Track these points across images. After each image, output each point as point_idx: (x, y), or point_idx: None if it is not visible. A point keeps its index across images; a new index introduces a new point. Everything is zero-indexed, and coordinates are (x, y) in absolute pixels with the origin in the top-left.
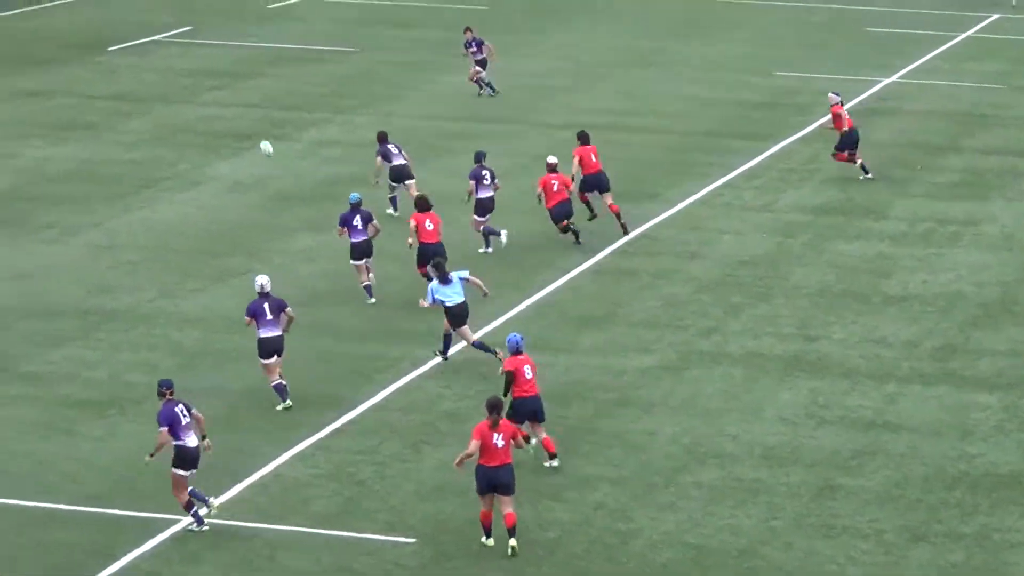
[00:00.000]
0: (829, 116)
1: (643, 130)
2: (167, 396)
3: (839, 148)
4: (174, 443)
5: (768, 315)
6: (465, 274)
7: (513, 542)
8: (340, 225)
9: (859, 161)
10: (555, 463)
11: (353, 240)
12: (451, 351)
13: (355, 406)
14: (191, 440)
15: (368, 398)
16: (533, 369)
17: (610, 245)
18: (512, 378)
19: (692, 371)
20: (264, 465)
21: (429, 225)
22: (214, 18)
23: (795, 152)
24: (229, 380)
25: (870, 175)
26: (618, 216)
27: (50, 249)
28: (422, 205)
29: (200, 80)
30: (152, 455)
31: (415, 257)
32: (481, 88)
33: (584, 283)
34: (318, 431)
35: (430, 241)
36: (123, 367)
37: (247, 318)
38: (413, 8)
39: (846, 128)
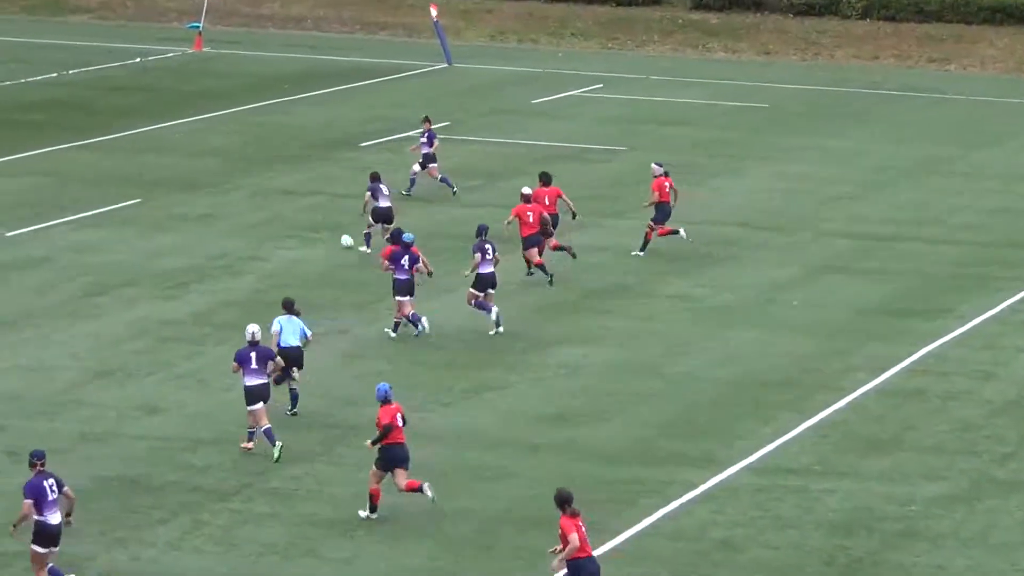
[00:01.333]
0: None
1: (931, 241)
2: (38, 468)
3: (656, 221)
4: (35, 518)
5: None
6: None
7: None
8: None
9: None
10: (429, 493)
11: (398, 277)
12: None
13: (617, 533)
14: (54, 517)
15: (632, 524)
16: (403, 417)
17: (897, 364)
18: (390, 429)
19: (986, 501)
20: None
21: None
22: (474, 114)
23: None
24: (482, 501)
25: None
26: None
27: None
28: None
29: (457, 179)
30: (14, 526)
31: None
32: (412, 186)
33: (868, 404)
34: None
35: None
36: (367, 485)
37: (234, 364)
38: (685, 105)
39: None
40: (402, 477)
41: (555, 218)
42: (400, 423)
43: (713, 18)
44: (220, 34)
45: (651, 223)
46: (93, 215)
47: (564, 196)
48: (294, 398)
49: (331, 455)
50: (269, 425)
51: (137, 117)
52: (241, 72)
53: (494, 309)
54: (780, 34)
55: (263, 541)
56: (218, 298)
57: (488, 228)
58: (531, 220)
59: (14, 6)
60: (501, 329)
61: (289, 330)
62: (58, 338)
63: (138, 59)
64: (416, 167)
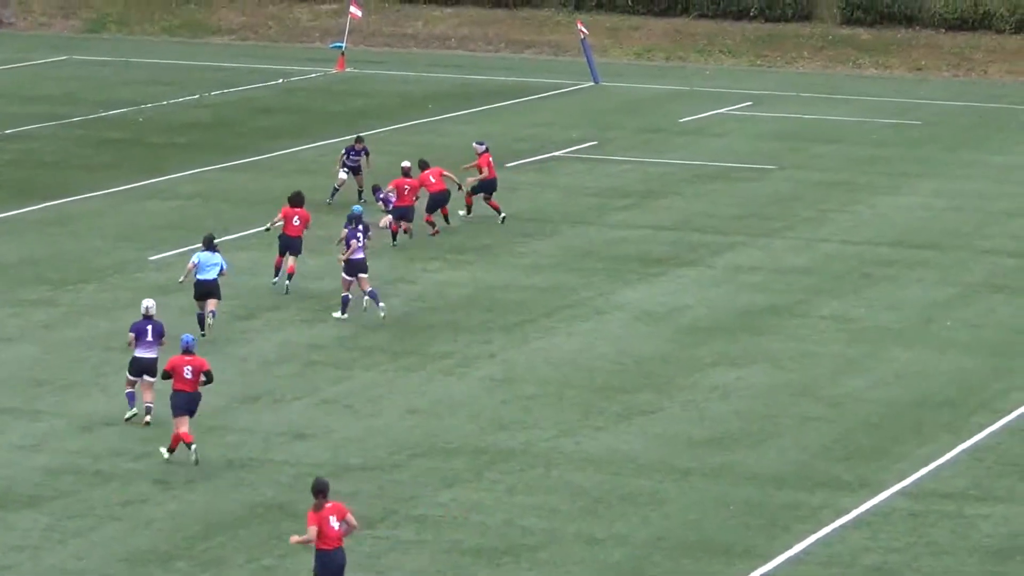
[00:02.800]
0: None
1: None
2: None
3: (475, 191)
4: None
5: None
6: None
7: None
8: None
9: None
10: (193, 456)
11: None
12: None
13: (770, 558)
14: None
15: (784, 550)
16: (193, 370)
17: None
18: (169, 375)
19: None
20: None
21: None
22: (623, 133)
23: None
24: (635, 527)
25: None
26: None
27: (445, 381)
28: None
29: (607, 199)
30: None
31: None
32: (333, 196)
33: None
34: None
35: None
36: (518, 511)
37: (130, 336)
38: (837, 123)
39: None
40: (184, 422)
41: (446, 194)
42: (187, 375)
43: (864, 34)
44: (363, 54)
45: (470, 193)
46: (239, 237)
47: (447, 172)
48: (200, 321)
49: (480, 481)
50: (151, 404)
51: (282, 138)
52: (385, 92)
53: (371, 292)
54: (932, 49)
55: (409, 569)
56: (365, 321)
57: (361, 214)
58: (407, 192)
59: (155, 27)
60: (383, 305)
61: (206, 263)
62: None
63: (281, 80)
64: (343, 174)
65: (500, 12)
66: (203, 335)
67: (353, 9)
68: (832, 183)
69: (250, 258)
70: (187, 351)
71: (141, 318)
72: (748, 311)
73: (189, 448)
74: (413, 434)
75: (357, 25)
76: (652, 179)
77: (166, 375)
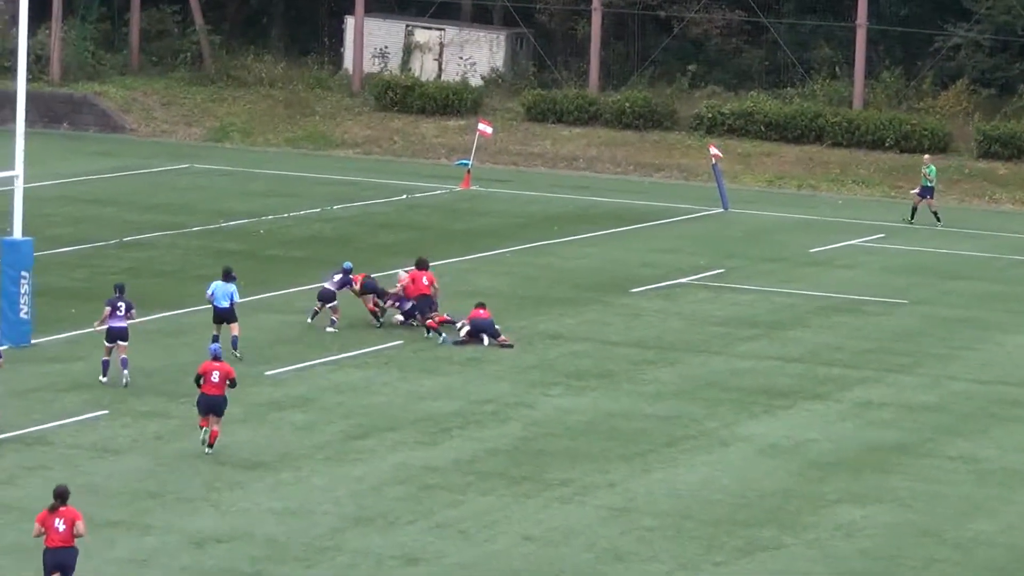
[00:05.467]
0: None
1: None
2: None
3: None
4: None
5: None
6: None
7: None
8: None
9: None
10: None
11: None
12: None
13: None
14: None
15: None
16: (221, 376)
17: None
18: (198, 379)
19: None
20: None
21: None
22: (751, 261)
23: None
24: None
25: None
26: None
27: (562, 508)
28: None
29: (733, 328)
30: None
31: None
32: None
33: None
34: None
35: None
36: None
37: (107, 308)
38: (969, 258)
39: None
40: (215, 422)
41: (428, 299)
42: (215, 379)
43: (1001, 168)
44: (489, 172)
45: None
46: (356, 355)
47: (436, 284)
48: (215, 339)
49: None
50: (125, 357)
51: (403, 255)
52: (509, 211)
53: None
54: None
55: None
56: (483, 445)
57: (124, 287)
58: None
59: (278, 138)
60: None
61: (221, 293)
62: (318, 482)
63: (405, 196)
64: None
65: (630, 134)
66: (238, 357)
67: (482, 126)
68: (962, 319)
69: (365, 376)
70: (216, 358)
71: (115, 294)
72: (875, 448)
73: (201, 431)
74: (528, 562)
75: (484, 143)
76: (779, 309)
77: (198, 379)
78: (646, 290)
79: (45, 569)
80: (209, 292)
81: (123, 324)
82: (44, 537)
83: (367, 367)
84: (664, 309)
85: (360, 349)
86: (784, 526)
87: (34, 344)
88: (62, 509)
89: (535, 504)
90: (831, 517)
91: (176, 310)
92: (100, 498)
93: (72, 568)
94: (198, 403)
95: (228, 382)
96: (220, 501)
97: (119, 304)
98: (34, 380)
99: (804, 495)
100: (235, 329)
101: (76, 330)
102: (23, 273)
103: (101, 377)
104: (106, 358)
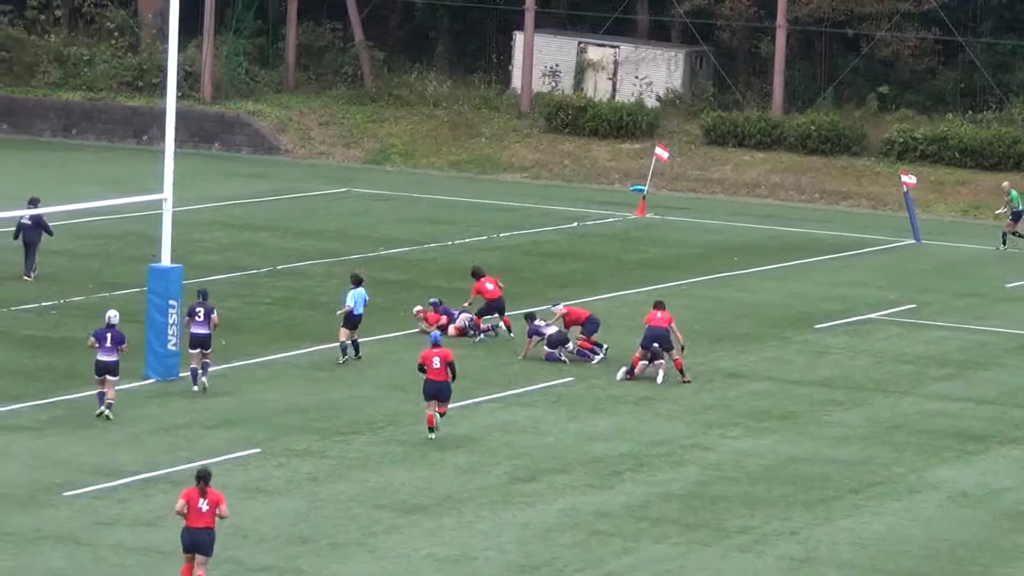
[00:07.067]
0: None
1: None
2: None
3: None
4: None
5: None
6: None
7: None
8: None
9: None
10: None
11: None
12: None
13: None
14: None
15: None
16: (442, 361)
17: None
18: (421, 367)
19: None
20: None
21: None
22: (944, 296)
23: None
24: None
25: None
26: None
27: (741, 558)
28: None
29: (923, 368)
30: None
31: None
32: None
33: None
34: None
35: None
36: None
37: (92, 340)
38: None
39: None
40: (442, 408)
41: (501, 301)
42: (436, 364)
43: None
44: (665, 199)
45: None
46: (523, 392)
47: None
48: (356, 347)
49: None
50: (208, 362)
51: (572, 286)
52: (688, 241)
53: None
54: None
55: None
56: (657, 489)
57: (207, 293)
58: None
59: (442, 161)
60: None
61: (359, 300)
62: (482, 527)
63: (575, 223)
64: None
65: (815, 159)
66: (358, 357)
67: (659, 151)
68: None
69: (531, 416)
70: (435, 345)
71: (104, 326)
72: None
73: (436, 419)
74: None
75: (661, 168)
76: (973, 348)
77: (421, 367)
78: (832, 326)
79: (183, 547)
80: (351, 302)
81: (205, 331)
82: (185, 517)
83: (535, 405)
84: (851, 346)
85: (528, 386)
86: None
87: (182, 377)
88: (208, 490)
89: (712, 553)
90: None
91: (330, 343)
92: (250, 541)
93: (210, 550)
94: (424, 390)
95: (448, 366)
96: (376, 547)
97: (197, 310)
98: (181, 415)
99: (997, 547)
100: (355, 334)
101: (225, 364)
102: (171, 302)
103: (192, 387)
104: (194, 366)
